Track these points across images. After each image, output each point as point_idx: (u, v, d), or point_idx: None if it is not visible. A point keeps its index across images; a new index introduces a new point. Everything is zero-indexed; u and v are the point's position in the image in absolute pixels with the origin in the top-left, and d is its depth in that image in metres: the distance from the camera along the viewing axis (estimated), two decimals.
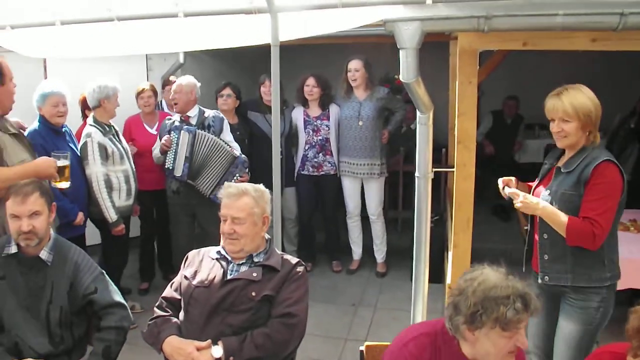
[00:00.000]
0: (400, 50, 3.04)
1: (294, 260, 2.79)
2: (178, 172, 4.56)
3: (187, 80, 4.71)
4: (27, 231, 2.72)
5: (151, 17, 3.51)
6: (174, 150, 4.55)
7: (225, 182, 2.83)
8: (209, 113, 4.78)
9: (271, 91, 5.12)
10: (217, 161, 4.58)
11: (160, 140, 4.68)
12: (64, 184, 3.49)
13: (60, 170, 3.40)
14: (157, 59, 6.05)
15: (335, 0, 3.08)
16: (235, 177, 4.58)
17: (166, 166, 4.60)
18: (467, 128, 3.37)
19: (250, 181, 2.91)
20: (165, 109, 5.50)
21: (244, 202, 2.71)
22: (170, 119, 4.76)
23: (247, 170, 4.68)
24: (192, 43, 3.59)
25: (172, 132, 4.58)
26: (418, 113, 3.45)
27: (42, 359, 2.73)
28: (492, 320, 1.89)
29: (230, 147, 4.63)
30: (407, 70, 3.05)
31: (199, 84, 4.76)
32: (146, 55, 5.96)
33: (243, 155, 4.68)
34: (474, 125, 3.40)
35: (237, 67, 6.84)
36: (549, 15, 2.82)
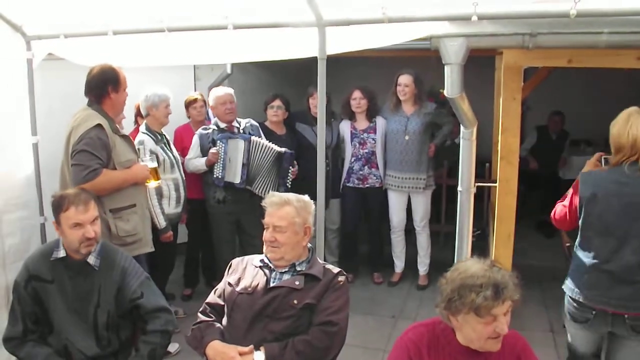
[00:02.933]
0: (445, 66, 3.06)
1: (335, 269, 2.82)
2: (237, 179, 4.63)
3: (232, 90, 4.83)
4: (92, 237, 2.82)
5: (201, 29, 3.59)
6: (222, 159, 4.63)
7: (270, 192, 2.89)
8: (244, 121, 4.94)
9: (314, 104, 5.26)
10: (270, 163, 4.70)
11: (193, 148, 4.79)
12: (154, 183, 3.93)
13: (152, 171, 3.85)
14: (205, 68, 6.15)
15: (381, 16, 3.12)
16: (289, 173, 4.75)
17: (215, 175, 4.66)
18: (510, 144, 3.38)
19: (296, 192, 2.96)
20: (212, 118, 5.59)
21: (285, 211, 2.77)
22: (206, 128, 4.84)
23: (295, 164, 4.85)
24: (240, 55, 3.66)
25: (219, 141, 4.65)
26: (462, 128, 3.47)
27: None
28: (466, 306, 2.05)
29: (274, 145, 4.76)
30: (451, 85, 3.07)
31: None
32: (194, 65, 6.07)
33: (289, 151, 4.80)
34: (517, 141, 3.40)
35: (282, 78, 6.93)
36: (594, 33, 2.82)
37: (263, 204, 2.84)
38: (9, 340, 2.87)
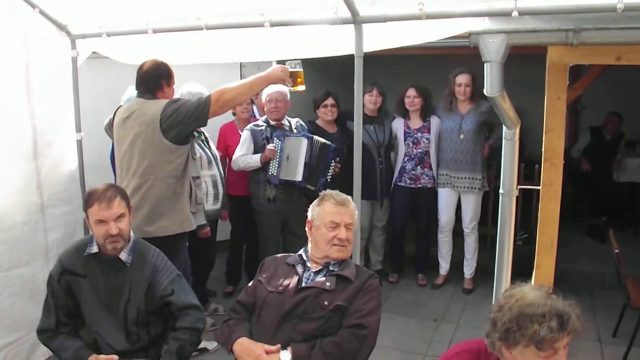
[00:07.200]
0: (484, 64, 2.96)
1: (368, 272, 2.77)
2: (298, 177, 4.59)
3: (284, 89, 4.71)
4: (115, 234, 2.82)
5: (238, 27, 3.60)
6: (278, 157, 4.60)
7: (328, 191, 2.84)
8: (294, 120, 4.92)
9: (371, 101, 5.27)
10: (324, 159, 4.65)
11: (244, 145, 4.75)
12: (301, 87, 3.68)
13: (293, 75, 3.60)
14: (251, 66, 6.11)
15: (419, 12, 3.05)
16: (331, 167, 4.67)
17: (270, 172, 4.63)
18: (554, 145, 3.25)
19: (347, 191, 2.92)
20: (257, 116, 5.58)
21: (352, 209, 2.77)
22: (258, 125, 4.80)
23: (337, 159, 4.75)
24: (278, 52, 3.66)
25: (276, 139, 4.63)
26: (504, 128, 3.37)
27: (120, 356, 2.84)
28: (527, 338, 1.83)
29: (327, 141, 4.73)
30: (491, 84, 2.97)
31: None
32: (240, 62, 6.08)
33: (333, 145, 4.73)
34: (562, 142, 3.27)
35: (329, 75, 6.86)
36: None
37: (321, 200, 2.79)
38: (42, 331, 2.92)
